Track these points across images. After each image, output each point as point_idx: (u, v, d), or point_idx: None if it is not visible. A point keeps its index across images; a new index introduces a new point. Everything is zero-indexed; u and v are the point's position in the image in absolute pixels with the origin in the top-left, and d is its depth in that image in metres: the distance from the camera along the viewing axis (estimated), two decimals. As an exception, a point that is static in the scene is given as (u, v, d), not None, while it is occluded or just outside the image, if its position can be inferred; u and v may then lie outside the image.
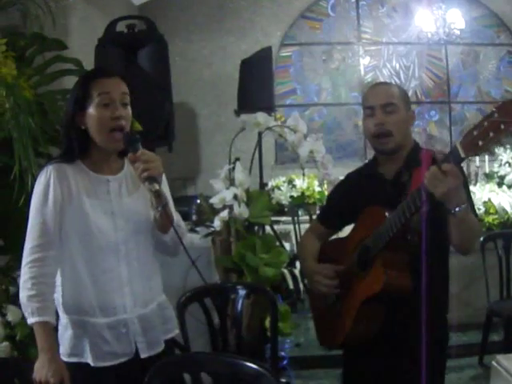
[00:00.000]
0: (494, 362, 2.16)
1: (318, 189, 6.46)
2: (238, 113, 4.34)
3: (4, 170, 2.80)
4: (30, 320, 1.83)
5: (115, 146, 1.94)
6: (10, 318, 2.71)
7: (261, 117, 3.60)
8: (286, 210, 6.19)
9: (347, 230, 2.34)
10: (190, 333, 2.58)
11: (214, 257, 3.62)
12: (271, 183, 6.61)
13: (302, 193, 6.48)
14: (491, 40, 8.47)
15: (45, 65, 3.38)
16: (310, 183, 6.46)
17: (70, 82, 2.96)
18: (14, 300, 2.65)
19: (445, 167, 1.74)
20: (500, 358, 2.15)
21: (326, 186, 3.59)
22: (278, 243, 3.87)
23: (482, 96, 8.52)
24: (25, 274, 1.86)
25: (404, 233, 2.00)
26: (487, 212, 4.82)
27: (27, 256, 1.88)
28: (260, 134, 3.83)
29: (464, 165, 1.77)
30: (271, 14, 8.09)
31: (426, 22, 7.87)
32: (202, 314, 2.73)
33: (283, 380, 3.60)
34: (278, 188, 6.46)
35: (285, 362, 3.80)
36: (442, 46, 8.34)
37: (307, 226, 2.76)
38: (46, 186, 1.90)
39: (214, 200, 3.50)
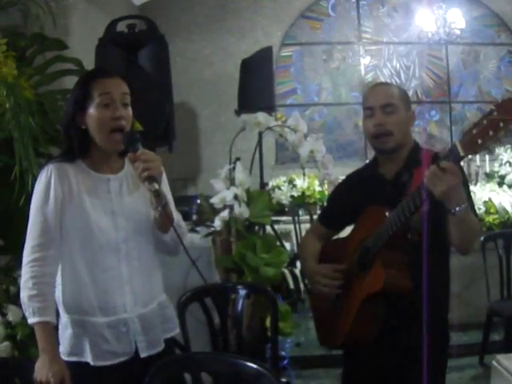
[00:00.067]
0: (494, 362, 2.16)
1: (318, 188, 6.46)
2: (238, 113, 4.35)
3: (4, 170, 2.80)
4: (31, 320, 1.83)
5: (115, 147, 1.94)
6: (10, 317, 2.71)
7: (261, 117, 3.60)
8: (286, 209, 6.17)
9: (348, 231, 2.34)
10: (190, 332, 2.58)
11: (215, 257, 3.62)
12: (272, 183, 6.61)
13: (303, 192, 6.48)
14: (492, 40, 8.47)
15: (45, 65, 3.39)
16: (310, 183, 6.46)
17: (70, 81, 2.96)
18: (15, 300, 2.65)
19: (444, 165, 1.74)
20: (500, 357, 2.15)
21: (326, 185, 3.59)
22: (278, 243, 3.86)
23: (483, 96, 8.52)
24: (26, 274, 1.86)
25: (404, 232, 2.00)
26: (488, 212, 4.82)
27: (28, 255, 1.88)
28: (260, 134, 3.83)
29: (465, 164, 1.77)
30: (272, 14, 8.09)
31: (426, 21, 7.87)
32: (203, 313, 2.73)
33: (284, 380, 3.60)
34: (279, 188, 6.46)
35: (285, 362, 3.80)
36: (443, 45, 8.34)
37: (308, 225, 2.76)
38: (46, 185, 1.90)
39: (215, 200, 3.50)
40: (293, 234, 5.96)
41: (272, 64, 4.91)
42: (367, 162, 2.46)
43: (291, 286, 4.80)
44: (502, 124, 1.58)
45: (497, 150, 6.07)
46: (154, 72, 4.46)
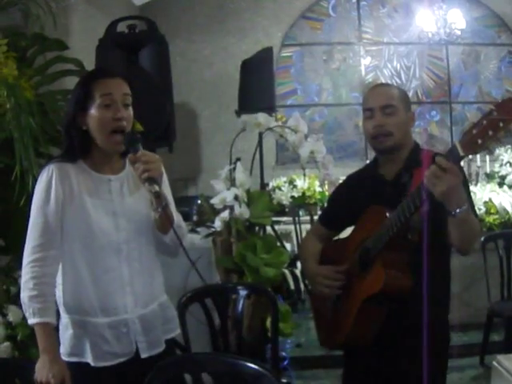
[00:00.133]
0: (494, 362, 2.16)
1: (318, 189, 6.45)
2: (238, 113, 4.34)
3: (5, 171, 2.80)
4: (31, 321, 1.83)
5: (116, 148, 1.94)
6: (11, 318, 2.71)
7: (261, 117, 3.60)
8: (286, 210, 6.17)
9: (349, 232, 2.34)
10: (190, 333, 2.58)
11: (215, 257, 3.62)
12: (272, 183, 6.61)
13: (303, 193, 6.48)
14: (492, 40, 8.47)
15: (46, 65, 3.39)
16: (310, 183, 6.45)
17: (70, 82, 2.97)
18: (15, 300, 2.65)
19: (444, 164, 1.73)
20: (501, 358, 2.15)
21: (326, 186, 3.59)
22: (278, 243, 3.86)
23: (483, 96, 8.53)
24: (26, 274, 1.86)
25: (404, 232, 2.00)
26: (488, 212, 4.81)
27: (29, 255, 1.87)
28: (261, 135, 3.83)
29: (465, 165, 1.77)
30: (272, 15, 8.09)
31: (426, 22, 7.87)
32: (203, 314, 2.73)
33: (284, 380, 3.60)
34: (279, 188, 6.46)
35: (286, 363, 3.80)
36: (443, 46, 8.34)
37: (308, 226, 2.76)
38: (47, 185, 1.89)
39: (215, 200, 3.50)
40: (293, 234, 5.96)
41: (272, 64, 4.91)
42: (368, 162, 2.46)
43: (291, 286, 4.80)
44: (501, 124, 1.58)
45: (497, 151, 6.06)
46: (155, 72, 4.47)
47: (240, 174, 3.47)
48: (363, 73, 8.49)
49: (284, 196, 5.94)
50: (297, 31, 8.41)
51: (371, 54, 8.52)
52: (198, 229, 3.99)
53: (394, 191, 2.12)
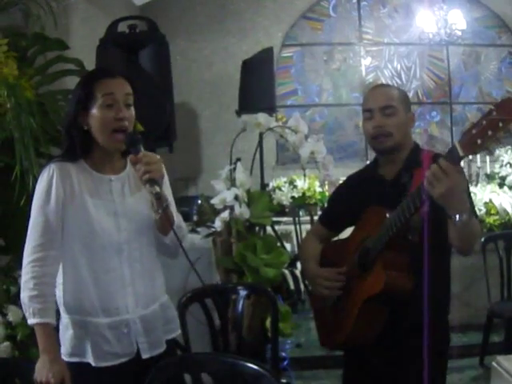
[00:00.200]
0: (494, 363, 2.16)
1: (319, 189, 6.46)
2: (239, 113, 4.35)
3: (5, 171, 2.80)
4: (31, 321, 1.83)
5: (117, 146, 1.93)
6: (10, 318, 2.71)
7: (262, 117, 3.60)
8: (286, 210, 6.17)
9: (349, 232, 2.34)
10: (190, 333, 2.58)
11: (215, 257, 3.62)
12: (272, 184, 6.61)
13: (303, 193, 6.48)
14: (492, 41, 8.47)
15: (46, 65, 3.39)
16: (311, 184, 6.45)
17: (71, 82, 2.97)
18: (15, 300, 2.65)
19: (444, 166, 1.73)
20: (500, 358, 2.15)
21: (327, 186, 3.59)
22: (278, 244, 3.87)
23: (484, 97, 8.53)
24: (26, 274, 1.85)
25: (405, 232, 2.00)
26: (488, 213, 4.82)
27: (29, 255, 1.87)
28: (261, 135, 3.83)
29: (465, 165, 1.77)
30: (272, 15, 8.09)
31: (427, 22, 7.86)
32: (203, 314, 2.73)
33: (284, 380, 3.60)
34: (279, 188, 6.45)
35: (285, 363, 3.81)
36: (444, 46, 8.33)
37: (308, 226, 2.76)
38: (48, 184, 1.89)
39: (215, 200, 3.50)
40: (293, 234, 5.96)
41: (273, 65, 4.91)
42: (368, 163, 2.46)
43: (291, 286, 4.80)
44: (501, 124, 1.57)
45: (497, 152, 6.06)
46: (155, 72, 4.47)
47: (240, 174, 3.47)
48: (364, 73, 8.49)
49: (284, 196, 5.94)
50: (297, 31, 8.40)
51: (372, 55, 8.52)
52: (198, 229, 3.99)
53: (394, 191, 2.12)
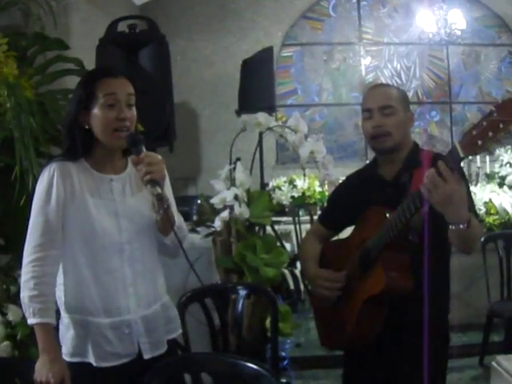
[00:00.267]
0: (493, 363, 2.16)
1: (318, 189, 6.46)
2: (238, 113, 4.35)
3: (5, 170, 2.80)
4: (31, 320, 1.82)
5: (119, 144, 1.92)
6: (10, 317, 2.71)
7: (262, 117, 3.60)
8: (286, 210, 6.19)
9: (348, 231, 2.34)
10: (190, 333, 2.58)
11: (215, 257, 3.62)
12: (272, 183, 6.61)
13: (303, 193, 6.49)
14: (492, 40, 8.48)
15: (46, 64, 3.39)
16: (310, 183, 6.46)
17: (71, 81, 2.97)
18: (15, 299, 2.65)
19: (443, 169, 1.72)
20: (500, 358, 2.15)
21: (326, 186, 3.59)
22: (278, 243, 3.87)
23: (483, 96, 8.53)
24: (27, 274, 1.84)
25: (405, 233, 2.00)
26: (488, 212, 4.82)
27: (29, 255, 1.86)
28: (261, 135, 3.83)
29: (465, 165, 1.75)
30: (272, 14, 8.09)
31: (427, 22, 7.87)
32: (203, 314, 2.73)
33: (284, 380, 3.60)
34: (279, 188, 6.47)
35: (285, 363, 3.80)
36: (443, 46, 8.34)
37: (308, 226, 2.76)
38: (49, 183, 1.88)
39: (215, 200, 3.50)
40: (293, 234, 5.96)
41: (272, 64, 4.91)
42: (368, 162, 2.46)
43: (291, 286, 4.80)
44: (501, 125, 1.57)
45: (497, 151, 6.06)
46: (155, 72, 4.47)
47: (240, 174, 3.47)
48: (363, 73, 8.49)
49: (284, 196, 5.96)
50: (297, 31, 8.41)
51: (371, 54, 8.52)
52: (198, 228, 3.99)
53: (394, 191, 2.12)
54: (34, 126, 2.73)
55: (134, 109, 1.94)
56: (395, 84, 7.93)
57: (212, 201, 3.55)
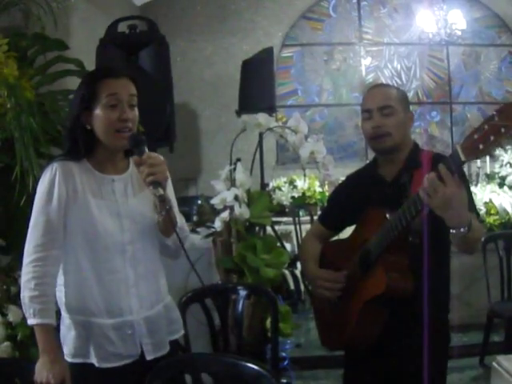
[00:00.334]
0: (494, 363, 2.16)
1: (319, 189, 6.46)
2: (239, 113, 4.35)
3: (5, 171, 2.81)
4: (31, 321, 1.82)
5: (122, 144, 1.92)
6: (11, 318, 2.71)
7: (262, 117, 3.61)
8: (286, 210, 6.19)
9: (348, 231, 2.34)
10: (190, 333, 2.58)
11: (215, 257, 3.62)
12: (272, 184, 6.61)
13: (303, 193, 6.49)
14: (492, 41, 8.47)
15: (46, 65, 3.39)
16: (311, 184, 6.46)
17: (71, 82, 2.97)
18: (15, 300, 2.65)
19: (443, 172, 1.71)
20: (500, 358, 2.15)
21: (327, 186, 3.59)
22: (278, 244, 3.87)
23: (484, 97, 8.53)
24: (27, 274, 1.83)
25: (405, 234, 2.00)
26: (488, 213, 4.81)
27: (30, 254, 1.85)
28: (261, 135, 3.83)
29: (465, 165, 1.74)
30: (272, 15, 8.09)
31: (427, 22, 7.87)
32: (203, 314, 2.73)
33: (284, 381, 3.60)
34: (279, 189, 6.47)
35: (285, 363, 3.80)
36: (444, 46, 8.33)
37: (308, 226, 2.76)
38: (50, 183, 1.87)
39: (215, 201, 3.50)
40: (293, 234, 5.96)
41: (273, 65, 4.91)
42: (367, 162, 2.45)
43: (292, 286, 4.80)
44: (503, 130, 1.55)
45: (497, 151, 6.06)
46: (155, 73, 4.47)
47: (240, 175, 3.47)
48: (364, 73, 8.49)
49: (284, 196, 5.96)
50: (297, 31, 8.40)
51: (372, 55, 8.51)
52: (198, 229, 3.99)
53: (394, 192, 2.12)
54: (35, 126, 2.74)
55: (136, 109, 1.94)
56: (395, 84, 7.92)
57: (212, 201, 3.55)
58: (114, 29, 4.52)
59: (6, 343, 2.66)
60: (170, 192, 1.99)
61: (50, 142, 2.95)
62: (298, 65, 8.48)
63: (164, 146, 4.58)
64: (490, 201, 4.90)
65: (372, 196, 2.19)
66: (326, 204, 2.64)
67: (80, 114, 1.90)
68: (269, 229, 4.02)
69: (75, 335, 1.89)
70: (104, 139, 1.91)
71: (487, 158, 6.40)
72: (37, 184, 1.95)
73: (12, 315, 2.71)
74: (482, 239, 4.00)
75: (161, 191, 1.83)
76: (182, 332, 2.13)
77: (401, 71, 8.52)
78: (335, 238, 2.49)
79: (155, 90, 4.28)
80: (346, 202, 2.33)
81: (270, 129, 3.62)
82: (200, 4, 7.93)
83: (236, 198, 3.43)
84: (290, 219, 5.86)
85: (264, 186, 4.49)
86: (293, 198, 6.41)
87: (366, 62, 8.50)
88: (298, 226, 5.87)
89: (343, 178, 2.52)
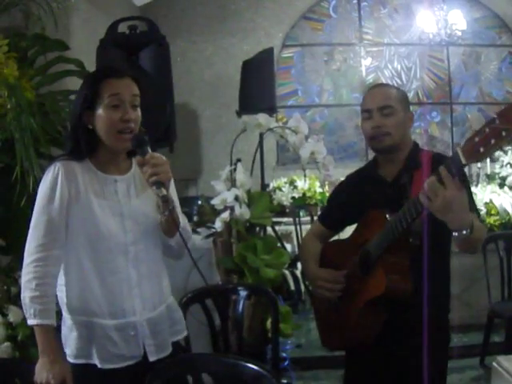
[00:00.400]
0: (494, 363, 2.16)
1: (319, 190, 6.45)
2: (239, 114, 4.35)
3: (6, 171, 2.81)
4: (31, 321, 1.81)
5: (124, 146, 1.91)
6: (11, 318, 2.71)
7: (262, 118, 3.61)
8: (287, 211, 6.18)
9: (348, 230, 2.34)
10: (191, 334, 2.57)
11: (216, 258, 3.62)
12: (272, 184, 6.60)
13: (304, 194, 6.48)
14: (493, 41, 8.47)
15: (46, 65, 3.39)
16: (311, 184, 6.45)
17: (71, 82, 2.97)
18: (16, 300, 2.65)
19: (444, 175, 1.70)
20: (501, 359, 2.15)
21: (327, 187, 3.59)
22: (279, 244, 3.87)
23: (484, 97, 8.53)
24: (28, 274, 1.82)
25: (405, 236, 2.00)
26: (488, 213, 4.81)
27: (31, 254, 1.84)
28: (261, 135, 3.84)
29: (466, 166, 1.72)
30: (273, 15, 8.09)
31: (427, 23, 7.88)
32: (204, 314, 2.73)
33: (284, 381, 3.61)
34: (280, 189, 6.45)
35: (286, 363, 3.81)
36: (444, 47, 8.34)
37: (308, 227, 2.76)
38: (53, 182, 1.86)
39: (216, 201, 3.50)
40: (294, 235, 5.96)
41: (273, 65, 4.91)
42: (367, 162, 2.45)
43: (292, 287, 4.80)
44: (504, 133, 1.54)
45: (497, 153, 6.06)
46: (155, 73, 4.47)
47: (240, 175, 3.47)
48: (364, 73, 8.49)
49: (284, 197, 5.95)
50: (298, 32, 8.40)
51: (372, 55, 8.51)
52: (199, 229, 3.99)
53: (394, 192, 2.12)
54: (35, 126, 2.74)
55: (138, 110, 1.93)
56: (396, 85, 7.92)
57: (213, 202, 3.55)
58: (115, 29, 4.52)
59: (7, 344, 2.66)
60: (173, 192, 1.98)
61: (50, 142, 2.95)
62: (298, 65, 8.48)
63: (164, 147, 4.57)
64: (491, 201, 4.90)
65: (372, 196, 2.19)
66: (326, 203, 2.64)
67: (82, 114, 1.90)
68: (269, 229, 4.02)
69: (77, 336, 1.88)
70: (106, 140, 1.90)
71: (487, 158, 6.40)
72: (38, 184, 1.94)
73: (12, 316, 2.71)
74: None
75: (164, 191, 1.82)
76: (185, 333, 2.11)
77: (401, 72, 8.52)
78: (335, 237, 2.49)
79: (155, 91, 4.28)
80: (346, 202, 2.33)
81: (270, 129, 3.63)
82: (200, 4, 7.93)
83: (236, 198, 3.43)
84: (291, 220, 5.86)
85: (264, 186, 4.49)
86: (293, 198, 6.39)
87: (367, 62, 8.50)
88: (298, 227, 5.86)
89: (343, 179, 2.52)
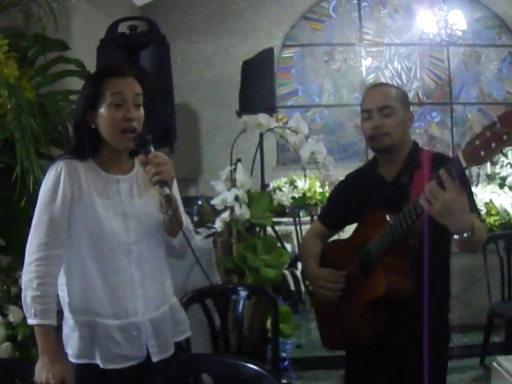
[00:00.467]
0: (494, 363, 2.16)
1: (319, 190, 6.45)
2: (239, 114, 4.35)
3: (6, 171, 2.81)
4: (32, 321, 1.80)
5: (127, 145, 1.90)
6: (11, 318, 2.70)
7: (262, 118, 3.60)
8: (287, 211, 6.17)
9: (349, 230, 2.34)
10: (191, 334, 2.58)
11: (216, 258, 3.62)
12: (273, 184, 6.60)
13: (304, 194, 6.48)
14: (493, 41, 8.48)
15: (47, 65, 3.39)
16: (311, 184, 6.45)
17: (71, 82, 2.97)
18: (16, 300, 2.65)
19: (445, 178, 1.70)
20: (501, 359, 2.15)
21: (327, 187, 3.59)
22: (279, 244, 3.87)
23: (484, 97, 8.53)
24: (30, 273, 1.81)
25: (406, 237, 2.00)
26: (489, 213, 4.81)
27: (32, 253, 1.83)
28: (261, 135, 3.83)
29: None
30: (273, 15, 8.09)
31: (427, 23, 7.88)
32: (204, 314, 2.73)
33: (284, 381, 3.61)
34: (280, 189, 6.45)
35: (286, 363, 3.81)
36: (444, 47, 8.34)
37: (308, 227, 2.76)
38: (55, 181, 1.85)
39: (216, 201, 3.50)
40: (294, 235, 5.96)
41: (273, 65, 4.91)
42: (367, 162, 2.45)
43: (292, 287, 4.80)
44: (505, 137, 1.53)
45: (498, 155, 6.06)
46: (156, 73, 4.47)
47: (241, 175, 3.47)
48: (364, 74, 8.49)
49: (285, 197, 5.93)
50: (298, 32, 8.41)
51: (372, 55, 8.52)
52: (199, 229, 3.99)
53: (394, 192, 2.12)
54: (35, 126, 2.73)
55: (141, 109, 1.92)
56: (396, 85, 7.92)
57: (213, 202, 3.55)
58: (115, 29, 4.52)
59: (7, 343, 2.66)
60: (176, 192, 1.98)
61: (51, 142, 2.95)
62: (298, 65, 8.48)
63: (164, 147, 4.57)
64: (491, 201, 4.90)
65: (372, 196, 2.19)
66: (326, 203, 2.64)
67: (85, 113, 1.89)
68: (269, 229, 4.02)
69: (79, 336, 1.87)
70: (109, 139, 1.89)
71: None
72: (38, 184, 1.93)
73: (12, 316, 2.70)
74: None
75: (167, 191, 1.82)
76: (189, 333, 2.10)
77: (401, 72, 8.53)
78: (335, 237, 2.49)
79: (155, 91, 4.28)
80: (345, 201, 2.33)
81: (270, 129, 3.62)
82: (200, 4, 7.93)
83: (236, 198, 3.42)
84: (291, 220, 5.86)
85: (264, 186, 4.48)
86: (293, 198, 6.39)
87: (367, 62, 8.51)
88: (298, 227, 5.87)
89: (343, 178, 2.52)
